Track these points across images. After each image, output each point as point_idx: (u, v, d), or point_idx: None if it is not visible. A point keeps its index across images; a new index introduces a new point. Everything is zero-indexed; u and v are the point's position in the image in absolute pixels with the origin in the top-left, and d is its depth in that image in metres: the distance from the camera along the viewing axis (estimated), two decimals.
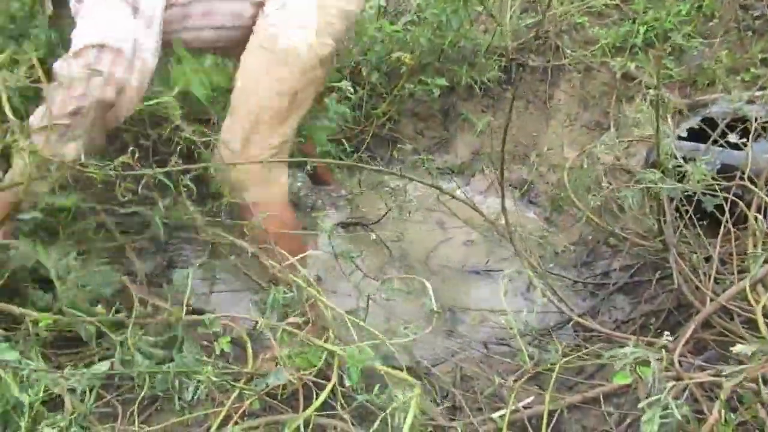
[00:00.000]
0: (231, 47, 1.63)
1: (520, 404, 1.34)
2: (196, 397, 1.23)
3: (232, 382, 1.27)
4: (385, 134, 2.64)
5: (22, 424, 1.06)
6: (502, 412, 1.26)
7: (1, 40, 1.67)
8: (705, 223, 1.76)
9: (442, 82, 2.49)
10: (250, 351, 1.42)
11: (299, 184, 2.45)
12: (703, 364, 1.35)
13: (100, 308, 1.31)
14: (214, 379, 1.19)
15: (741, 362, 1.11)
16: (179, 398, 1.25)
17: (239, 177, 1.58)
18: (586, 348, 1.54)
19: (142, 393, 1.24)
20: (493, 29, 2.70)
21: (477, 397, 1.52)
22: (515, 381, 1.41)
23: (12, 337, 1.28)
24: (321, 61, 1.58)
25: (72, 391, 1.14)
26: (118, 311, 1.34)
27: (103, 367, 1.21)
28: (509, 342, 1.75)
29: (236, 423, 1.21)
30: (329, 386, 1.22)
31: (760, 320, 1.23)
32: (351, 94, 2.20)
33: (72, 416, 1.11)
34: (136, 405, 1.26)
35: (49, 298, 1.39)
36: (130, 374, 1.28)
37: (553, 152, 2.55)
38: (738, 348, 0.94)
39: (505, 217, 1.89)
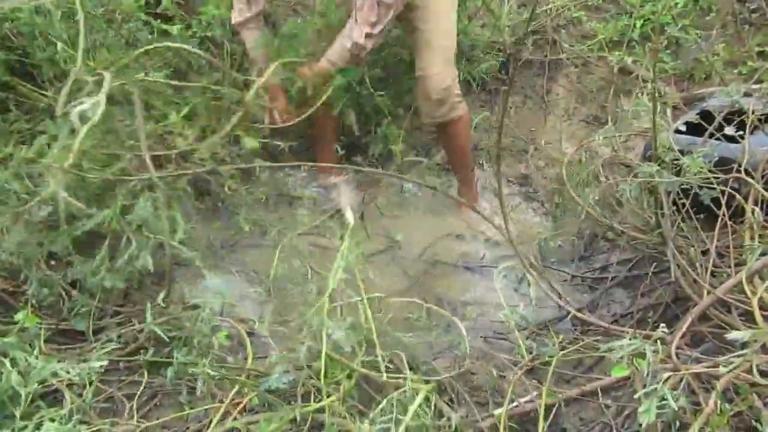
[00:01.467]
0: None
1: (522, 401, 1.34)
2: (196, 392, 1.23)
3: (233, 377, 1.27)
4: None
5: (18, 414, 1.06)
6: (501, 410, 1.25)
7: None
8: (702, 216, 1.76)
9: None
10: (249, 348, 1.42)
11: (292, 179, 2.45)
12: (700, 356, 1.35)
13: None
14: (213, 373, 1.19)
15: (738, 355, 1.12)
16: (179, 393, 1.25)
17: (450, 95, 2.13)
18: (584, 341, 1.54)
19: (142, 387, 1.24)
20: (490, 24, 2.70)
21: (476, 391, 1.52)
22: (514, 375, 1.41)
23: (11, 330, 1.28)
24: None
25: (70, 386, 1.14)
26: None
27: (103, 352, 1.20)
28: (507, 336, 1.76)
29: (235, 419, 1.21)
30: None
31: (757, 312, 1.23)
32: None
33: (73, 404, 1.11)
34: (135, 400, 1.26)
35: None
36: (129, 366, 1.28)
37: (551, 147, 2.55)
38: (733, 334, 0.94)
39: (503, 211, 1.90)
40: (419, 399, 1.11)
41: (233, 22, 2.11)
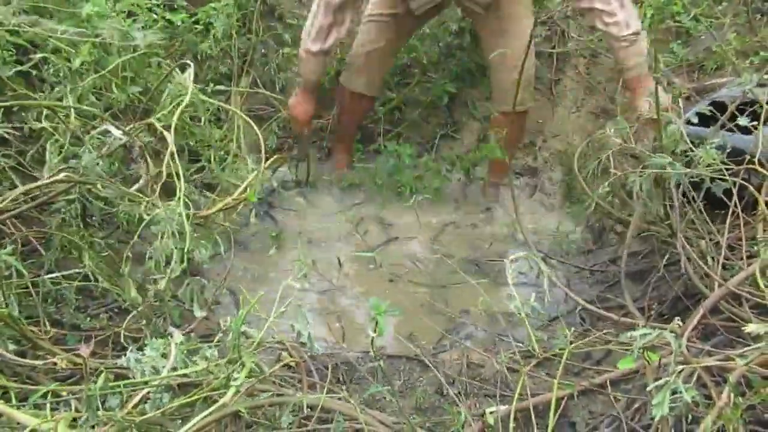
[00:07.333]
0: None
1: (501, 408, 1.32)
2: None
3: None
4: (393, 122, 2.63)
5: None
6: (492, 409, 1.23)
7: None
8: (715, 209, 1.73)
9: (451, 88, 2.51)
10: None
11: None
12: (711, 349, 1.34)
13: None
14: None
15: (753, 348, 1.10)
16: None
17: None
18: (594, 334, 1.53)
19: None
20: None
21: (483, 384, 1.52)
22: (523, 367, 1.40)
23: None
24: None
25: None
26: None
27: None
28: (515, 331, 1.75)
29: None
30: None
31: None
32: None
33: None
34: None
35: None
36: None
37: (559, 139, 2.53)
38: (751, 327, 0.92)
39: (515, 207, 1.88)
40: None
41: (313, 48, 2.12)
